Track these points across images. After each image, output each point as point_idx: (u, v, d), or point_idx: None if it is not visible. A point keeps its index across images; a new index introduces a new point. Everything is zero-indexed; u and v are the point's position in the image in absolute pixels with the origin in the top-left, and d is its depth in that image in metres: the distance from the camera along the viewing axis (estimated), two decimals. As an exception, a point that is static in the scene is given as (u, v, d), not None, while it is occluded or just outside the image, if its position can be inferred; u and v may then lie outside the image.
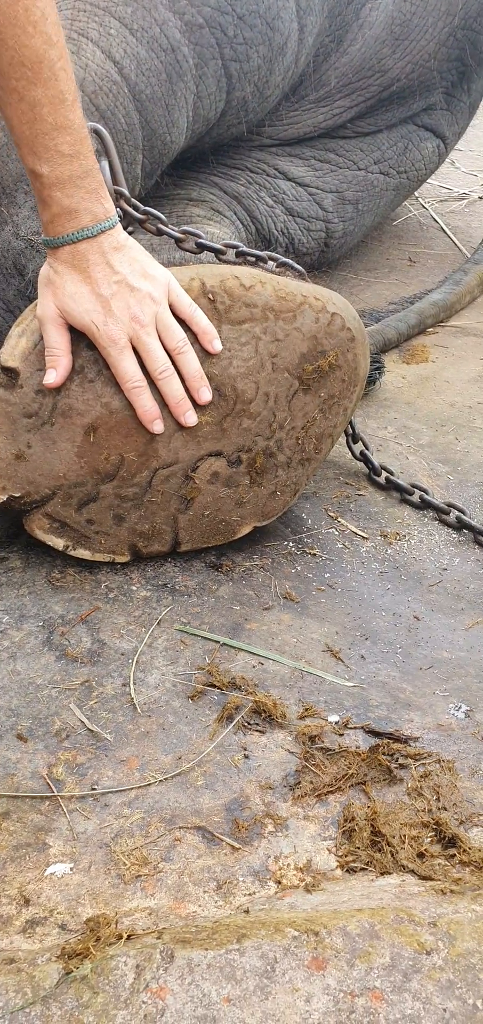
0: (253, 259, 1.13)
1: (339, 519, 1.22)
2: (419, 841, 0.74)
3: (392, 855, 0.73)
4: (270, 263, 1.13)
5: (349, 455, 1.31)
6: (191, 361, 1.00)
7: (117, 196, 1.09)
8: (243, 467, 1.06)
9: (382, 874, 0.72)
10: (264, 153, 1.65)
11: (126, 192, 1.10)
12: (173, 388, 0.99)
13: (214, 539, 1.09)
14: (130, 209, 1.11)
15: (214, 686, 0.91)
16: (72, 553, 1.04)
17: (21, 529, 1.06)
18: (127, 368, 0.97)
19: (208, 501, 1.05)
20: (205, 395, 1.01)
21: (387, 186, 1.85)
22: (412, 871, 0.72)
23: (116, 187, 1.09)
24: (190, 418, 1.00)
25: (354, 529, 1.20)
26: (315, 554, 1.14)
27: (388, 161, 1.81)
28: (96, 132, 1.10)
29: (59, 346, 0.97)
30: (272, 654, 0.96)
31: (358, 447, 1.30)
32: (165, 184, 1.48)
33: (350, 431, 1.28)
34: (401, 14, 1.57)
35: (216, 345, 1.01)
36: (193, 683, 0.91)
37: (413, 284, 2.02)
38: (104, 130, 1.09)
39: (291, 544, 1.15)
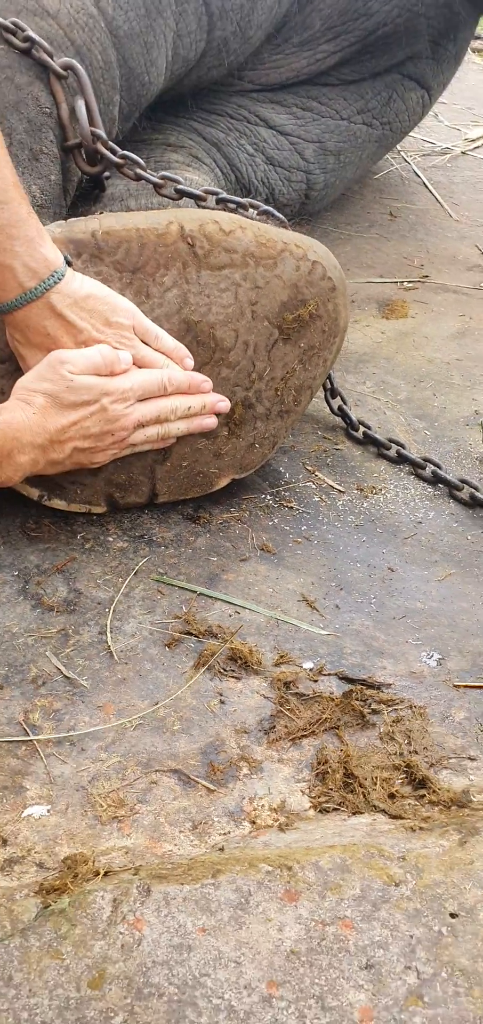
0: (234, 206, 1.11)
1: (316, 473, 1.22)
2: (390, 783, 0.76)
3: (364, 796, 0.75)
4: (251, 211, 1.12)
5: (327, 410, 1.31)
6: (177, 372, 1.00)
7: (94, 138, 1.06)
8: (221, 418, 1.05)
9: (354, 814, 0.74)
10: (245, 99, 1.61)
11: (103, 135, 1.07)
12: (180, 378, 1.00)
13: (192, 491, 1.08)
14: (107, 152, 1.08)
15: (191, 634, 0.92)
16: (47, 503, 1.03)
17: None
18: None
19: (186, 452, 1.05)
20: (189, 364, 1.02)
21: (370, 137, 1.82)
22: (383, 811, 0.74)
23: (93, 128, 1.06)
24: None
25: (331, 483, 1.21)
26: (292, 507, 1.15)
27: (372, 111, 1.78)
28: (71, 68, 1.06)
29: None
30: (248, 603, 0.97)
31: (336, 402, 1.29)
32: (143, 128, 1.44)
33: (328, 386, 1.28)
34: None
35: (188, 363, 1.01)
36: (170, 631, 0.92)
37: (393, 238, 2.00)
38: (80, 66, 1.05)
39: (268, 497, 1.16)
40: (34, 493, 1.02)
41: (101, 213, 1.01)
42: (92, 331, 0.92)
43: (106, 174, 1.32)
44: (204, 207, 1.12)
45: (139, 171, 1.10)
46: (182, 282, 0.99)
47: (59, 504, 1.03)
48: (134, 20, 1.20)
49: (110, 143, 1.08)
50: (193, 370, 1.02)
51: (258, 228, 1.04)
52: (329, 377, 1.25)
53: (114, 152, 1.09)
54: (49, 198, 1.08)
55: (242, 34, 1.37)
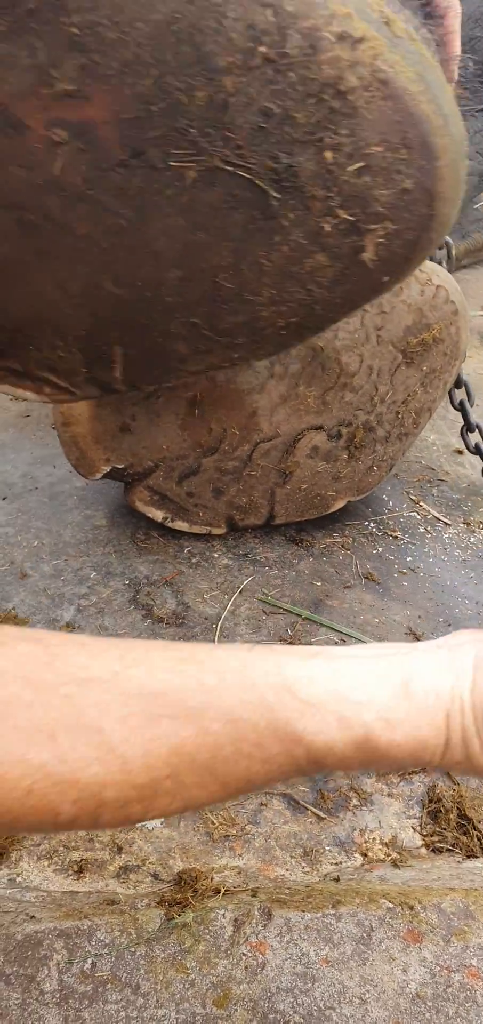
0: None
1: (421, 503, 1.20)
2: (507, 829, 0.74)
3: (479, 839, 0.73)
4: None
5: (430, 438, 1.29)
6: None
7: None
8: (342, 441, 1.05)
9: (468, 857, 0.72)
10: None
11: None
12: None
13: (308, 513, 1.09)
14: None
15: (297, 658, 0.92)
16: (170, 525, 1.05)
17: (105, 486, 1.08)
18: None
19: (306, 475, 1.05)
20: None
21: (472, 170, 1.80)
22: (500, 858, 0.71)
23: None
24: None
25: (436, 514, 1.19)
26: (396, 536, 1.13)
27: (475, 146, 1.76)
28: None
29: None
30: (354, 632, 0.96)
31: (474, 437, 1.18)
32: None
33: (463, 422, 1.20)
34: None
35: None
36: (276, 653, 0.92)
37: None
38: None
39: (372, 524, 1.15)
40: (158, 515, 1.04)
41: None
42: None
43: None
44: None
45: None
46: None
47: (182, 526, 1.05)
48: None
49: None
50: (317, 395, 1.03)
51: None
52: (465, 413, 1.18)
53: None
54: None
55: None
